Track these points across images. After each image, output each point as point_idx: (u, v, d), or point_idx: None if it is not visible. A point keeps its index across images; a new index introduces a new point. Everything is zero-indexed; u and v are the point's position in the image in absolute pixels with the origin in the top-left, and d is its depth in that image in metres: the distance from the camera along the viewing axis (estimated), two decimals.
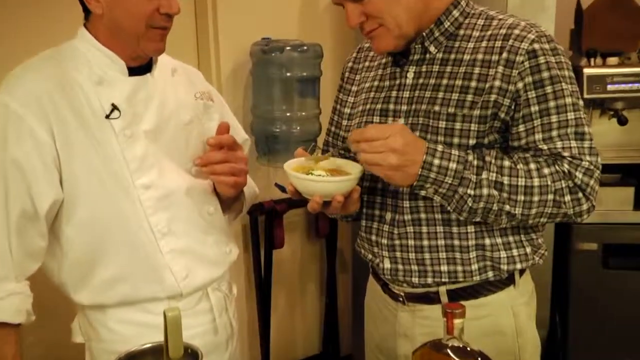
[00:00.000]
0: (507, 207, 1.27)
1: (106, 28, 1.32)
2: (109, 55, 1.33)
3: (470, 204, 1.26)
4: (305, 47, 2.53)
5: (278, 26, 2.66)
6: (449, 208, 1.29)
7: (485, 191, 1.26)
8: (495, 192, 1.26)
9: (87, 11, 1.34)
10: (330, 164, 1.34)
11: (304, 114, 2.57)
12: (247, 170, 1.47)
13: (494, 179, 1.26)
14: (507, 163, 1.27)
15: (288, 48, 2.51)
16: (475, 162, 1.26)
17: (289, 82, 2.54)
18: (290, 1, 2.71)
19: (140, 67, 1.38)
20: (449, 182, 1.25)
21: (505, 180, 1.26)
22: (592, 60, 2.65)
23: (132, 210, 1.34)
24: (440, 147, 1.25)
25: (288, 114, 2.56)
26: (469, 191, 1.25)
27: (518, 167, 1.27)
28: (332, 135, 1.57)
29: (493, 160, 1.27)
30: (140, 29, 1.30)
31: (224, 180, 1.41)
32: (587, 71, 2.57)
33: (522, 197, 1.26)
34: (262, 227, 2.71)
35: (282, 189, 2.60)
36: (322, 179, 1.28)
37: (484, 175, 1.26)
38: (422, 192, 1.28)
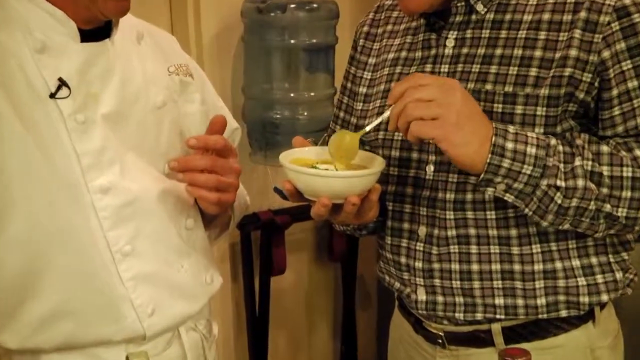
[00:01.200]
0: (607, 207, 1.26)
1: None
2: (54, 15, 1.32)
3: (559, 202, 1.25)
4: (315, 5, 2.53)
5: None
6: (527, 211, 1.28)
7: (580, 182, 1.24)
8: (593, 186, 1.25)
9: None
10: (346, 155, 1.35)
11: (313, 94, 2.57)
12: (238, 185, 1.46)
13: (589, 168, 1.25)
14: (605, 148, 1.27)
15: (292, 6, 2.50)
16: (561, 147, 1.26)
17: (293, 52, 2.53)
18: None
19: (96, 31, 1.37)
20: (528, 172, 1.23)
21: (605, 170, 1.25)
22: None
23: (82, 222, 1.34)
24: (512, 128, 1.25)
25: (292, 95, 2.56)
26: (557, 182, 1.24)
27: (621, 154, 1.26)
28: (340, 124, 1.60)
29: (586, 145, 1.27)
30: None
31: (206, 196, 1.39)
32: None
33: (629, 194, 1.25)
34: (256, 245, 2.71)
35: (284, 196, 2.60)
36: (331, 173, 1.29)
37: (577, 162, 1.25)
38: (490, 191, 1.26)
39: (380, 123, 1.33)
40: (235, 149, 1.48)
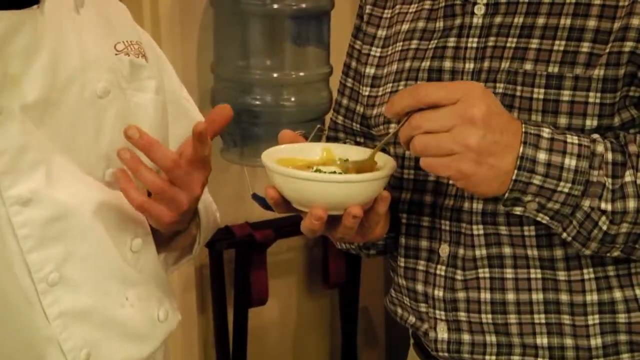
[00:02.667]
0: None
1: None
2: None
3: (604, 228, 1.26)
4: None
5: None
6: (565, 236, 1.29)
7: (631, 204, 1.25)
8: None
9: None
10: (341, 155, 1.37)
11: (302, 74, 2.59)
12: (186, 208, 1.45)
13: None
14: None
15: None
16: (609, 156, 1.26)
17: (276, 19, 2.57)
18: None
19: None
20: (566, 190, 1.24)
21: None
22: None
23: None
24: (546, 131, 1.24)
25: (275, 75, 2.59)
26: (602, 205, 1.25)
27: None
28: (343, 113, 1.61)
29: None
30: None
31: (162, 216, 1.41)
32: None
33: None
34: (230, 268, 2.73)
35: (267, 205, 2.61)
36: (326, 177, 1.29)
37: (628, 177, 1.25)
38: (518, 210, 1.28)
39: (388, 124, 1.37)
40: (208, 162, 1.47)
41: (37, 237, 1.34)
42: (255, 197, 2.63)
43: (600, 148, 1.25)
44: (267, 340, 2.94)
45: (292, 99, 2.60)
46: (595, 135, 1.28)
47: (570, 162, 1.23)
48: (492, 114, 1.20)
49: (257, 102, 2.60)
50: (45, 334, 1.35)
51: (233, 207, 2.66)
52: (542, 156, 1.23)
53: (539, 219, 1.28)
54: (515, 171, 1.22)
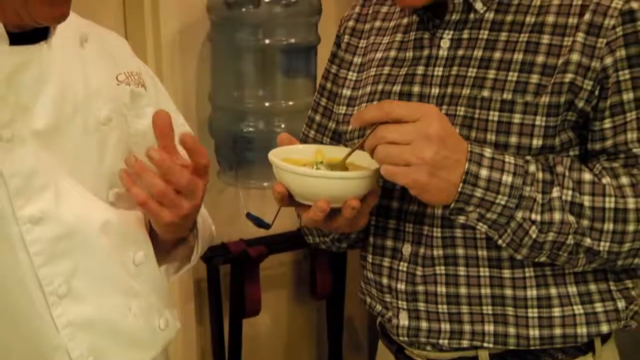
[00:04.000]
0: (587, 241, 1.31)
1: None
2: None
3: (533, 236, 1.31)
4: None
5: None
6: (500, 242, 1.34)
7: (557, 216, 1.30)
8: (572, 219, 1.31)
9: None
10: (330, 155, 1.42)
11: (292, 103, 2.58)
12: (186, 213, 1.44)
13: (569, 198, 1.31)
14: (587, 176, 1.32)
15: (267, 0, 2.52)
16: (540, 175, 1.31)
17: (268, 53, 2.56)
18: None
19: (30, 33, 1.38)
20: (502, 202, 1.29)
21: (586, 200, 1.30)
22: None
23: (9, 258, 1.32)
24: (488, 151, 1.30)
25: (267, 105, 2.57)
26: (532, 216, 1.30)
27: (603, 181, 1.32)
28: (316, 128, 1.66)
29: (567, 172, 1.32)
30: None
31: (162, 216, 1.40)
32: None
33: (611, 226, 1.31)
34: (226, 282, 2.73)
35: (260, 223, 2.60)
36: (332, 173, 1.33)
37: (555, 192, 1.31)
38: (461, 219, 1.32)
39: (364, 130, 1.38)
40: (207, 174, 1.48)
41: (48, 253, 1.34)
42: (249, 216, 2.64)
43: (532, 168, 1.31)
44: (260, 348, 2.93)
45: (283, 126, 2.59)
46: (529, 157, 1.33)
47: (507, 178, 1.29)
48: (445, 134, 1.25)
49: (251, 129, 2.59)
50: (54, 342, 1.35)
51: (229, 226, 2.65)
52: (484, 172, 1.28)
53: (478, 227, 1.33)
54: (461, 184, 1.27)
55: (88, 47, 1.48)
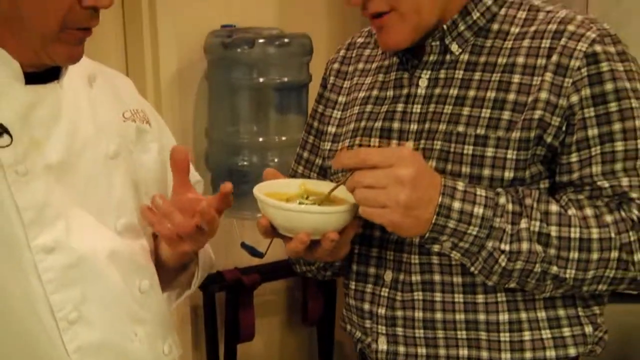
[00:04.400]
0: (554, 269, 1.33)
1: (1, 20, 1.32)
2: None
3: (503, 264, 1.32)
4: (286, 40, 2.59)
5: (246, 9, 2.72)
6: (473, 269, 1.35)
7: (524, 246, 1.32)
8: (539, 248, 1.32)
9: None
10: (314, 189, 1.42)
11: (284, 138, 2.61)
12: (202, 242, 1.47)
13: (537, 229, 1.32)
14: (554, 208, 1.34)
15: (261, 40, 2.56)
16: (510, 207, 1.33)
17: (262, 91, 2.59)
18: None
19: (42, 73, 1.38)
20: (474, 233, 1.31)
21: (553, 231, 1.32)
22: None
23: (23, 286, 1.32)
24: (460, 185, 1.32)
25: (261, 140, 2.60)
26: (502, 246, 1.32)
27: (569, 213, 1.34)
28: (303, 164, 1.66)
29: (535, 204, 1.34)
30: (53, 29, 1.31)
31: (182, 247, 1.42)
32: None
33: (576, 254, 1.32)
34: (221, 308, 2.73)
35: (254, 252, 2.60)
36: (311, 208, 1.34)
37: (523, 224, 1.32)
38: (436, 247, 1.34)
39: (345, 172, 1.39)
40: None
41: (59, 280, 1.35)
42: (243, 245, 2.64)
43: (502, 200, 1.33)
44: None
45: (276, 160, 2.61)
46: (499, 190, 1.35)
47: (479, 210, 1.30)
48: (418, 176, 1.27)
49: (245, 163, 2.61)
50: None
51: (224, 254, 2.64)
52: (456, 205, 1.30)
53: (452, 255, 1.34)
54: (435, 216, 1.29)
55: (96, 86, 1.49)
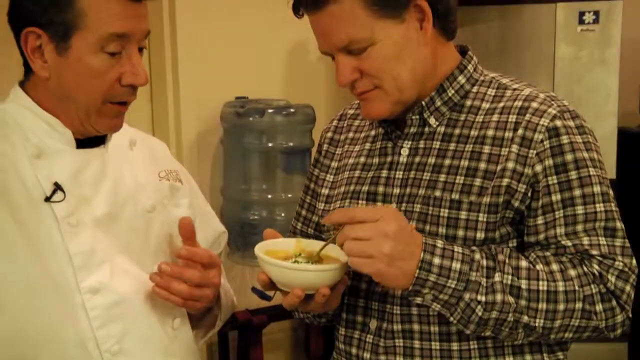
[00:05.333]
0: (525, 318, 1.32)
1: (51, 94, 1.38)
2: (51, 123, 1.39)
3: (479, 314, 1.32)
4: (292, 110, 2.65)
5: (257, 83, 2.77)
6: (452, 319, 1.34)
7: (498, 297, 1.31)
8: (512, 299, 1.32)
9: (26, 69, 1.39)
10: (310, 247, 1.41)
11: (290, 196, 2.64)
12: (211, 296, 1.49)
13: (509, 282, 1.32)
14: (524, 263, 1.34)
15: (270, 110, 2.62)
16: (484, 262, 1.33)
17: (271, 154, 2.63)
18: (273, 52, 2.82)
19: (91, 138, 1.43)
20: (452, 285, 1.30)
21: (524, 284, 1.32)
22: None
23: (72, 322, 1.35)
24: (440, 243, 1.32)
25: (269, 197, 2.64)
26: (478, 297, 1.31)
27: (537, 267, 1.34)
28: (302, 221, 1.66)
29: (507, 260, 1.34)
30: (96, 103, 1.36)
31: (173, 300, 1.43)
32: None
33: (544, 306, 1.32)
34: (234, 346, 2.75)
35: (262, 296, 2.61)
36: (304, 266, 1.35)
37: (497, 277, 1.32)
38: (418, 299, 1.33)
39: (336, 229, 1.39)
40: (219, 260, 1.52)
41: (104, 317, 1.38)
42: (253, 290, 2.52)
43: (477, 256, 1.33)
44: None
45: (282, 214, 2.66)
46: (474, 247, 1.35)
47: (456, 265, 1.31)
48: (400, 230, 1.28)
49: (256, 217, 2.65)
50: None
51: (236, 297, 2.63)
52: (436, 260, 1.30)
53: (433, 306, 1.33)
54: (417, 271, 1.29)
55: (136, 149, 1.53)
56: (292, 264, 1.36)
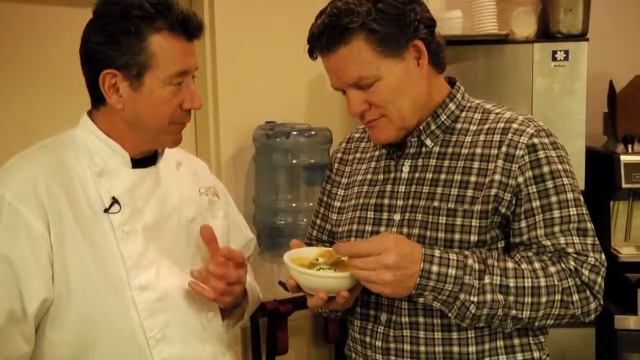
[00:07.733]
0: (513, 312, 1.33)
1: (122, 121, 1.40)
2: (112, 146, 1.41)
3: (473, 311, 1.33)
4: (313, 132, 2.64)
5: (284, 109, 2.76)
6: (450, 315, 1.35)
7: (488, 297, 1.32)
8: (501, 297, 1.32)
9: (96, 101, 1.41)
10: (330, 254, 1.39)
11: (311, 204, 2.61)
12: (239, 292, 1.51)
13: (497, 282, 1.33)
14: (510, 264, 1.35)
15: (294, 133, 2.60)
16: (476, 266, 1.33)
17: (295, 169, 2.62)
18: (296, 83, 2.82)
19: (145, 159, 1.45)
20: (449, 288, 1.31)
21: (511, 282, 1.33)
22: (629, 146, 2.76)
23: (124, 313, 1.37)
24: (437, 253, 1.32)
25: (294, 205, 2.62)
26: (471, 298, 1.32)
27: (522, 266, 1.34)
28: (317, 229, 1.64)
29: (495, 263, 1.34)
30: (163, 125, 1.39)
31: (225, 301, 1.45)
32: (624, 158, 2.70)
33: (529, 299, 1.33)
34: (263, 330, 2.74)
35: (287, 289, 2.61)
36: (326, 274, 1.34)
37: (487, 279, 1.33)
38: (421, 300, 1.34)
39: (350, 236, 1.47)
40: (247, 262, 1.54)
41: (150, 310, 1.40)
42: (280, 283, 2.65)
43: (470, 261, 1.33)
44: None
45: (304, 220, 2.63)
46: (467, 253, 1.35)
47: (452, 271, 1.31)
48: (401, 260, 1.28)
49: (282, 222, 2.63)
50: None
51: (266, 290, 2.50)
52: (434, 268, 1.31)
53: (434, 305, 1.35)
54: (418, 279, 1.30)
55: (181, 169, 1.55)
56: (315, 271, 1.35)
